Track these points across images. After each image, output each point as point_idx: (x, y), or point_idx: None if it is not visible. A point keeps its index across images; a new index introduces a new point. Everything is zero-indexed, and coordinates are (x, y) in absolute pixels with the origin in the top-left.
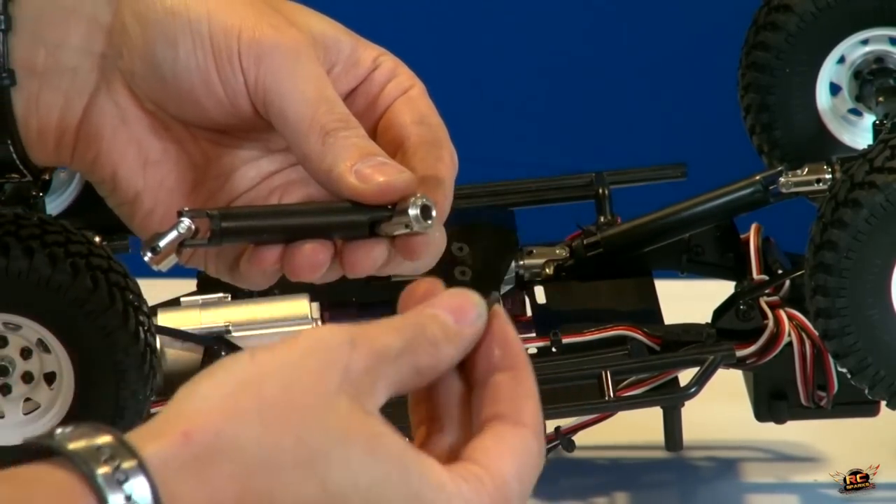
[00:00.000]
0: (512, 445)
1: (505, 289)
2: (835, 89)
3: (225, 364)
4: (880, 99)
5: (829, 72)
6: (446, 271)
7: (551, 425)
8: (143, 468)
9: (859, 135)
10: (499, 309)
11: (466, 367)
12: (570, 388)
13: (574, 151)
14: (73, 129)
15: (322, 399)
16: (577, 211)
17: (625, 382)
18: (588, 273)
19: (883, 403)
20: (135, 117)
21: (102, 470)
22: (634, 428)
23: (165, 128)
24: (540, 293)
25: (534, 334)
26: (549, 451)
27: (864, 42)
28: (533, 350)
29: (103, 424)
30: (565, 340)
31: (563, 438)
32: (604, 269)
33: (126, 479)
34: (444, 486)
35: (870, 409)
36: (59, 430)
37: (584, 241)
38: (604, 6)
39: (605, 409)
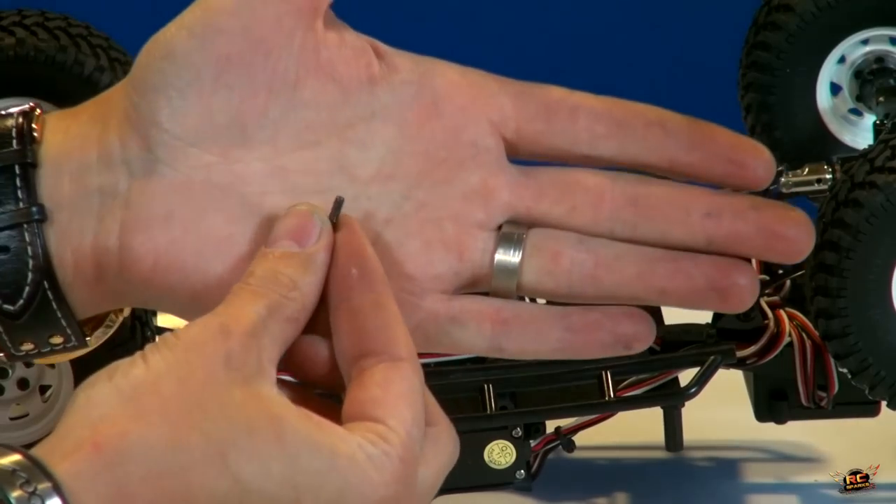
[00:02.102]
0: (401, 390)
1: None
2: (835, 89)
3: (119, 367)
4: (881, 99)
5: (830, 72)
6: None
7: (551, 425)
8: (57, 489)
9: (860, 135)
10: (348, 218)
11: (323, 290)
12: (570, 389)
13: None
14: (115, 249)
15: (217, 393)
16: None
17: (625, 383)
18: None
19: (883, 404)
20: (185, 192)
21: (16, 493)
22: (634, 428)
23: (222, 188)
24: None
25: None
26: (549, 451)
27: (865, 42)
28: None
29: (12, 445)
30: None
31: (563, 438)
32: None
33: (42, 501)
34: (355, 456)
35: (870, 410)
36: None
37: None
38: (604, 5)
39: (605, 410)
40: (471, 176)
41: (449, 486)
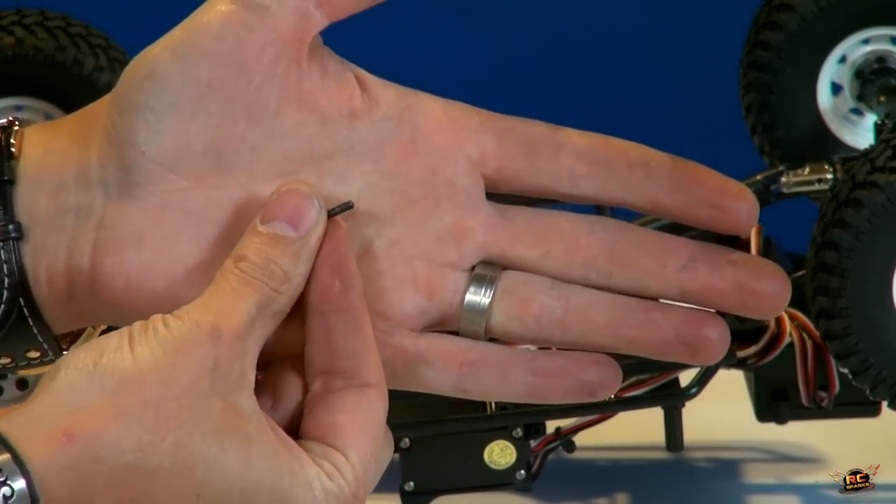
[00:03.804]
0: (364, 420)
1: None
2: (836, 89)
3: (105, 352)
4: (881, 98)
5: (831, 71)
6: None
7: (552, 426)
8: (23, 471)
9: (860, 134)
10: (340, 224)
11: (301, 296)
12: None
13: None
14: (87, 268)
15: (197, 401)
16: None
17: (626, 383)
18: None
19: (884, 404)
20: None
21: None
22: (635, 428)
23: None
24: None
25: None
26: (549, 451)
27: (866, 41)
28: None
29: None
30: None
31: (563, 439)
32: None
33: (6, 480)
34: (312, 485)
35: (871, 410)
36: None
37: None
38: (604, 5)
39: (606, 410)
40: (446, 215)
41: (449, 487)
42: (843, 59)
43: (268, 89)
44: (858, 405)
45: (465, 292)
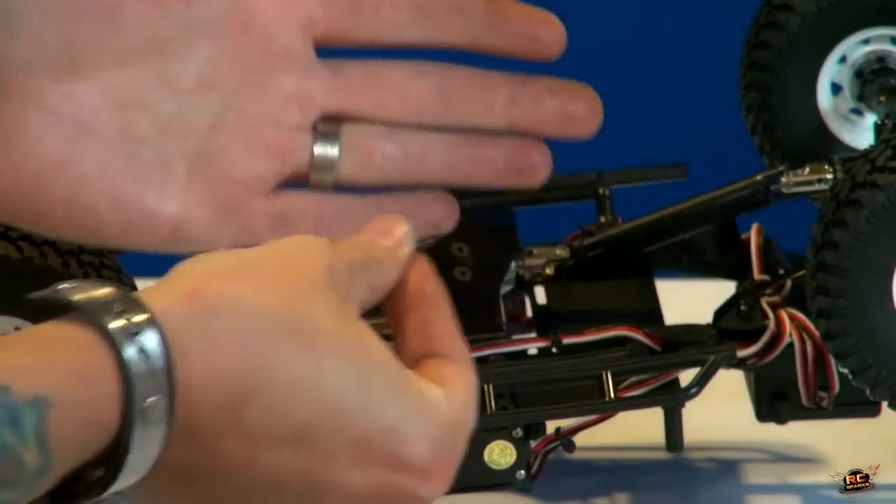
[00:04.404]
0: (465, 377)
1: (505, 289)
2: (836, 89)
3: (221, 250)
4: (881, 98)
5: (831, 71)
6: (446, 271)
7: (551, 426)
8: (153, 321)
9: (860, 134)
10: (422, 256)
11: (392, 299)
12: (570, 389)
13: (575, 151)
14: None
15: (315, 289)
16: (577, 211)
17: (625, 383)
18: (589, 273)
19: (884, 404)
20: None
21: (116, 324)
22: (635, 429)
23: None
24: (540, 293)
25: (534, 334)
26: (549, 451)
27: (866, 41)
28: (533, 350)
29: (106, 281)
30: (566, 341)
31: (563, 439)
32: (604, 269)
33: (138, 332)
34: (430, 387)
35: (871, 410)
36: (63, 286)
37: (585, 241)
38: (604, 5)
39: (606, 410)
40: (286, 82)
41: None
42: (843, 59)
43: None
44: (858, 405)
45: (312, 149)
